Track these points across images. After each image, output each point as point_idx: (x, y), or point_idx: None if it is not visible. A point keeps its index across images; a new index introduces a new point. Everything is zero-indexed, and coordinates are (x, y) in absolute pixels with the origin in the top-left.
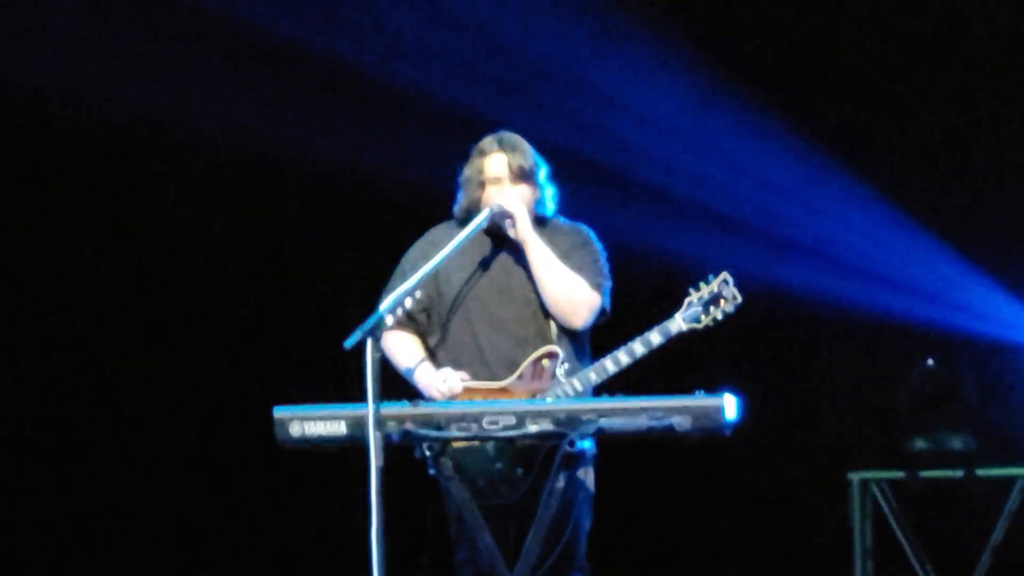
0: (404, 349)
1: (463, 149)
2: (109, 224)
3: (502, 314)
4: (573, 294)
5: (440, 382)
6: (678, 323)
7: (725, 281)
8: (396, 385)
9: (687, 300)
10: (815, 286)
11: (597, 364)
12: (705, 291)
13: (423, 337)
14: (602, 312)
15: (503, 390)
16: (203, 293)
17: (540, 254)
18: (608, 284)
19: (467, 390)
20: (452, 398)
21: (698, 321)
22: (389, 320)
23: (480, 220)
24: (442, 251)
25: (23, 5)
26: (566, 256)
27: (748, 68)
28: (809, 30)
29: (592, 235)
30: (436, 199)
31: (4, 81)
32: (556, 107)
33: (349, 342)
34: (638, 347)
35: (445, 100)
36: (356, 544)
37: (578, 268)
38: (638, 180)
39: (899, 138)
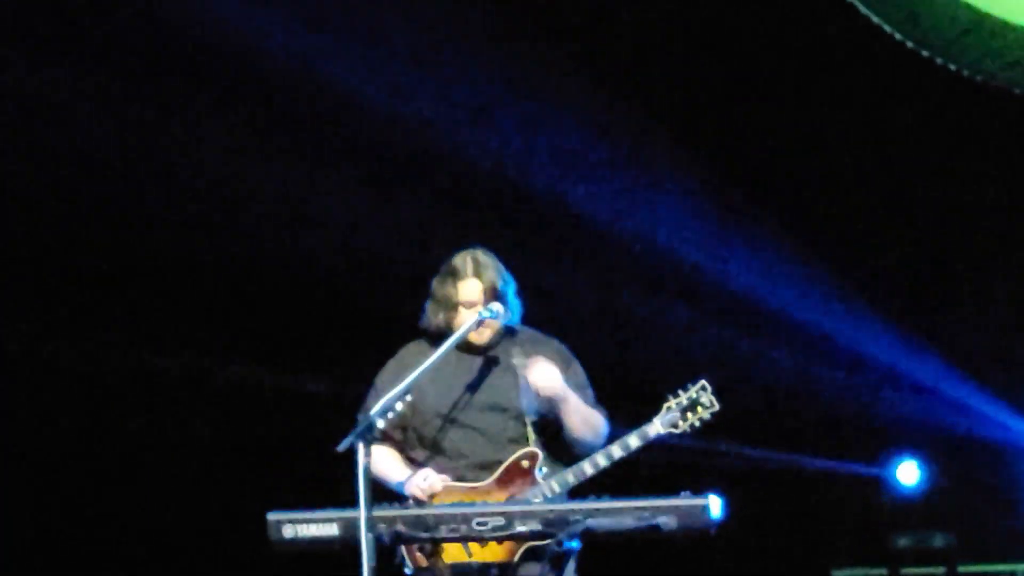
0: (387, 460)
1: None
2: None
3: (482, 420)
4: (599, 430)
5: (420, 480)
6: (656, 427)
7: (703, 388)
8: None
9: (666, 405)
10: (801, 385)
11: (576, 466)
12: (683, 397)
13: (402, 451)
14: None
15: (484, 491)
16: (203, 398)
17: (576, 408)
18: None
19: (449, 490)
20: (431, 498)
21: (676, 426)
22: (380, 424)
23: (465, 329)
24: (426, 362)
25: None
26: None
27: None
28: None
29: (569, 350)
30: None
31: None
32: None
33: (341, 446)
34: (616, 450)
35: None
36: None
37: (576, 389)
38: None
39: (891, 254)
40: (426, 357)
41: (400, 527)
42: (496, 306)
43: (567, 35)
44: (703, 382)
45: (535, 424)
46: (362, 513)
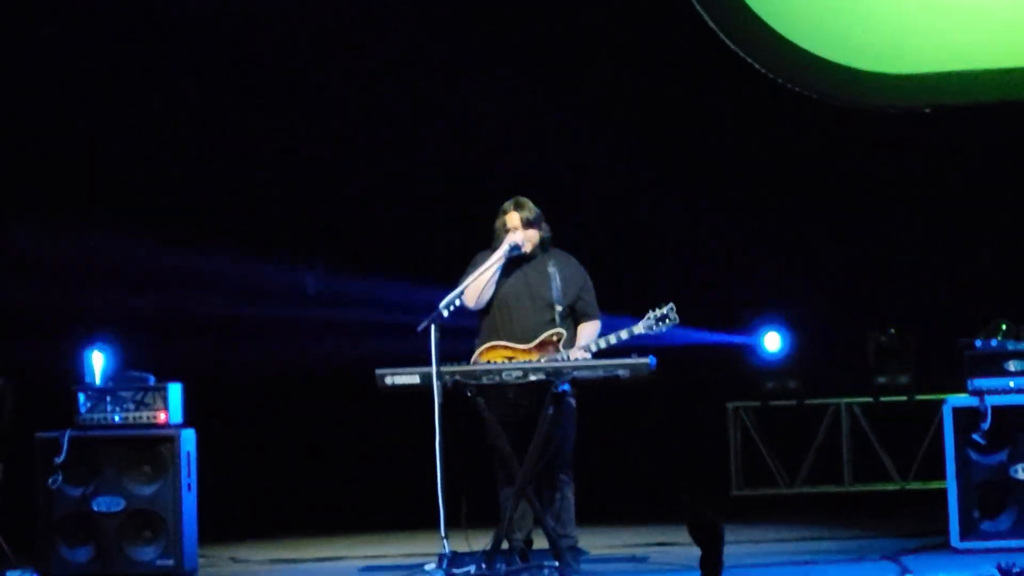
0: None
1: None
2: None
3: (529, 305)
4: (595, 335)
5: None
6: (640, 328)
7: (672, 308)
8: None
9: (647, 315)
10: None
11: (585, 345)
12: (659, 312)
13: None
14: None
15: (525, 351)
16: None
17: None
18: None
19: (503, 348)
20: (489, 351)
21: (651, 330)
22: (445, 313)
23: (503, 251)
24: (476, 271)
25: None
26: (582, 291)
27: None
28: None
29: (583, 269)
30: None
31: None
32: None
33: (420, 328)
34: (612, 338)
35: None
36: (426, 453)
37: (587, 305)
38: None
39: None
40: (488, 260)
41: (457, 377)
42: (516, 235)
43: None
44: (672, 304)
45: (561, 312)
46: (433, 368)
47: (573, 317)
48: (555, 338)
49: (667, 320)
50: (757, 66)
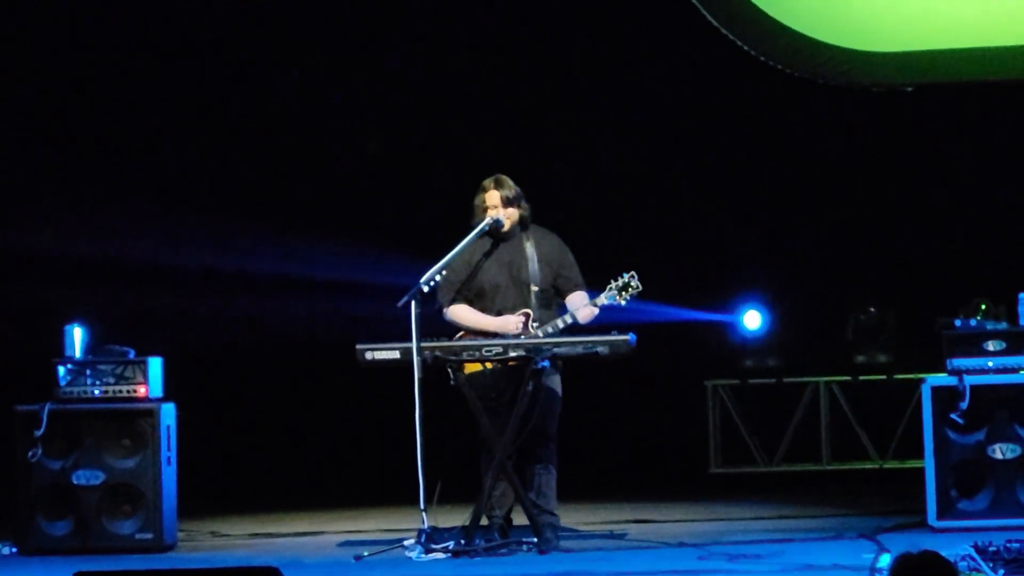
0: (469, 312)
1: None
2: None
3: (507, 287)
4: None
5: (515, 320)
6: (602, 299)
7: (633, 276)
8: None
9: (608, 286)
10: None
11: (552, 322)
12: (620, 281)
13: (470, 302)
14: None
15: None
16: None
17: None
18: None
19: (474, 332)
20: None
21: (614, 300)
22: (425, 289)
23: (481, 227)
24: (456, 248)
25: None
26: (561, 267)
27: None
28: None
29: (562, 244)
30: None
31: None
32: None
33: (400, 303)
34: (578, 314)
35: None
36: (406, 429)
37: (568, 281)
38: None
39: None
40: (471, 243)
41: (437, 353)
42: (496, 213)
43: None
44: (633, 272)
45: (537, 293)
46: (414, 344)
47: (557, 293)
48: (524, 318)
49: (630, 289)
50: (740, 44)
